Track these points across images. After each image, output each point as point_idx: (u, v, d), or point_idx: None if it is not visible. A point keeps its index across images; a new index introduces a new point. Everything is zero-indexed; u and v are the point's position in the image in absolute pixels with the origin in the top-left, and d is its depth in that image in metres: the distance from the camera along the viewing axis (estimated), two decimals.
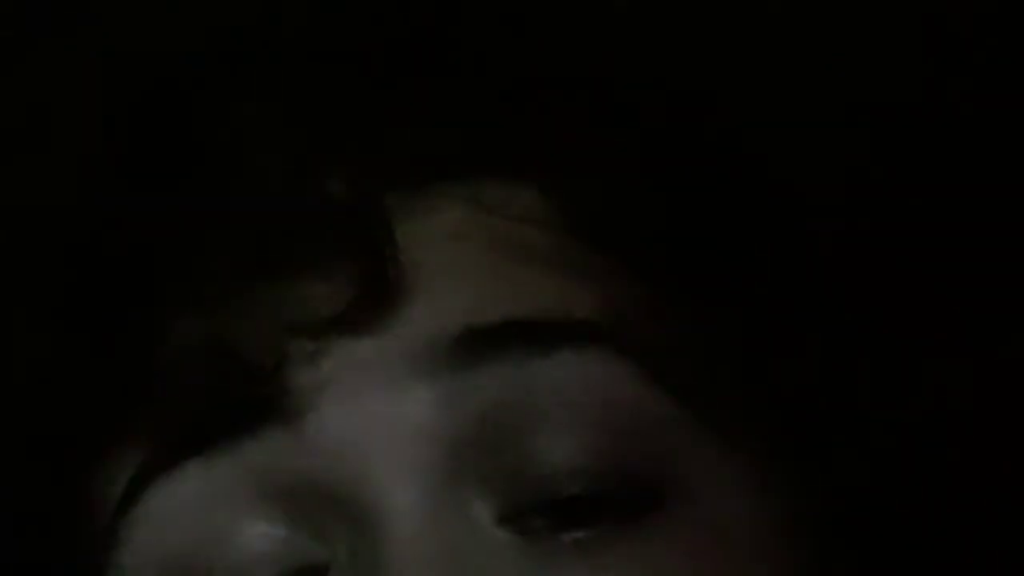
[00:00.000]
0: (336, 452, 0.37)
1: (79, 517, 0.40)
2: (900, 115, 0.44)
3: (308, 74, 0.40)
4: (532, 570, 0.36)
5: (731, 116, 0.41)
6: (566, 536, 0.37)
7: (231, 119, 0.39)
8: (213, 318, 0.37)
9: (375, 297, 0.37)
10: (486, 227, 0.38)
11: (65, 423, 0.39)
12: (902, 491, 0.40)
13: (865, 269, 0.40)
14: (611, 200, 0.39)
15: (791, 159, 0.40)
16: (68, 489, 0.40)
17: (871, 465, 0.40)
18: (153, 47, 0.43)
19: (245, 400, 0.37)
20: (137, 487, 0.38)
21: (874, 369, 0.41)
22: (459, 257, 0.38)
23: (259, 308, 0.37)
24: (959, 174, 0.45)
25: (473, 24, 0.40)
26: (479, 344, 0.37)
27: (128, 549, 0.39)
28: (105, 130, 0.41)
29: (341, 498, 0.37)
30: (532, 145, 0.39)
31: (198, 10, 0.42)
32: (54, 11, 0.46)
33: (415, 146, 0.39)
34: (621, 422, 0.37)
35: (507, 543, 0.37)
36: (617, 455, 0.37)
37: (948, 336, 0.41)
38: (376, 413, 0.37)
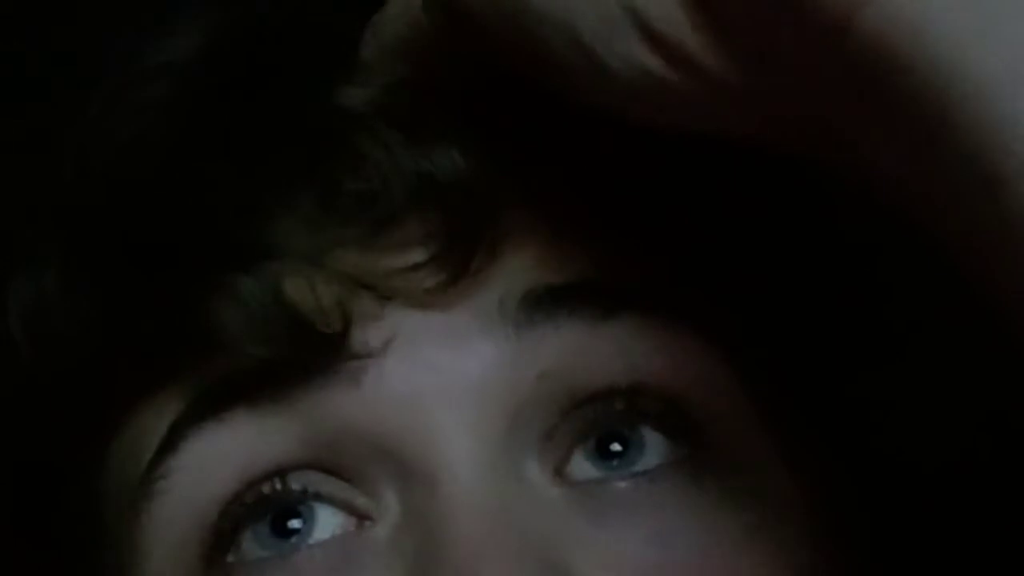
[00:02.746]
0: (394, 405, 0.37)
1: (109, 467, 0.40)
2: None
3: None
4: (584, 525, 0.37)
5: None
6: (615, 486, 0.37)
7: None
8: (275, 273, 0.37)
9: (451, 262, 0.37)
10: (559, 195, 0.39)
11: (105, 367, 0.39)
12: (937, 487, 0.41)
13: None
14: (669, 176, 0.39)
15: None
16: (102, 432, 0.40)
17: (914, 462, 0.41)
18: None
19: (303, 354, 0.37)
20: (178, 435, 0.38)
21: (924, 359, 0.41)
22: (528, 220, 0.38)
23: (324, 265, 0.37)
24: None
25: None
26: (545, 304, 0.38)
27: (165, 499, 0.38)
28: (176, 71, 0.41)
29: (395, 451, 0.37)
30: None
31: None
32: None
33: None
34: (677, 382, 0.38)
35: (560, 498, 0.37)
36: (667, 404, 0.38)
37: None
38: (438, 368, 0.37)
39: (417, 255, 0.38)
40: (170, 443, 0.38)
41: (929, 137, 0.27)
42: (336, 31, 0.40)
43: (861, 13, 0.28)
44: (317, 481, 0.38)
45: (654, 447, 0.38)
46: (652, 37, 0.31)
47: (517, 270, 0.38)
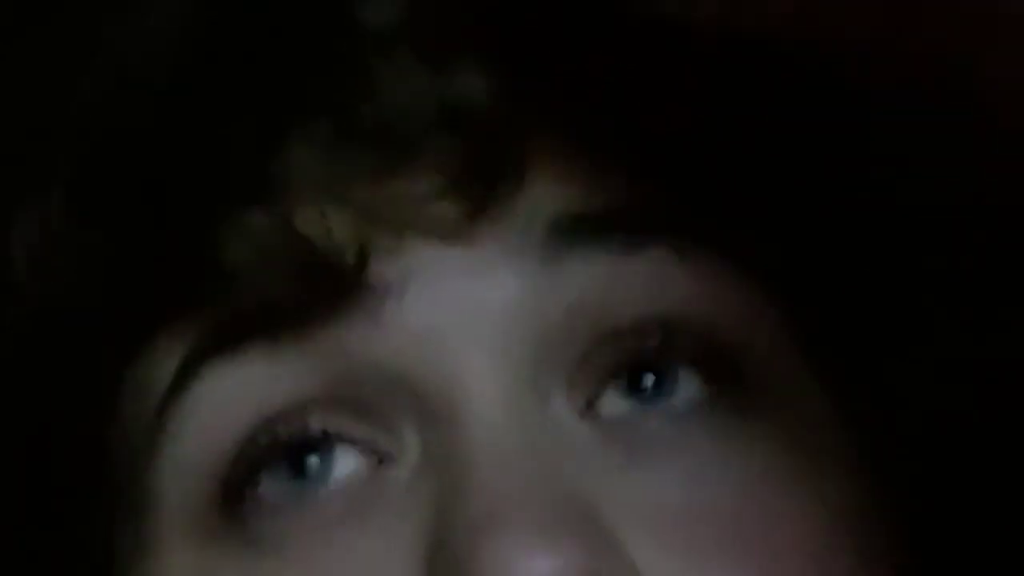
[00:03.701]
0: (415, 338, 0.36)
1: (119, 408, 0.39)
2: None
3: None
4: (613, 462, 0.36)
5: None
6: (647, 424, 0.36)
7: None
8: (286, 205, 0.36)
9: (473, 194, 0.36)
10: (586, 121, 0.37)
11: (112, 303, 0.38)
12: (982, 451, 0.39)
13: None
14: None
15: None
16: (110, 372, 0.39)
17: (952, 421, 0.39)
18: None
19: (317, 289, 0.36)
20: (190, 373, 0.37)
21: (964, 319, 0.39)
22: (553, 148, 0.37)
23: (338, 196, 0.36)
24: None
25: None
26: (572, 234, 0.36)
27: (178, 439, 0.37)
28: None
29: (416, 388, 0.36)
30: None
31: None
32: None
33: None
34: (711, 316, 0.37)
35: (588, 436, 0.36)
36: (701, 338, 0.37)
37: None
38: (460, 299, 0.36)
39: (436, 186, 0.36)
40: (182, 382, 0.37)
41: None
42: None
43: None
44: (335, 420, 0.37)
45: (688, 383, 0.37)
46: None
47: (542, 199, 0.36)
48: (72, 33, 0.40)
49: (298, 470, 0.37)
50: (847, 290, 0.39)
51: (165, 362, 0.38)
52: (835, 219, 0.38)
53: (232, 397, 0.37)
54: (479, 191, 0.36)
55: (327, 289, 0.36)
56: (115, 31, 0.39)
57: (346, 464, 0.37)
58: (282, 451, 0.37)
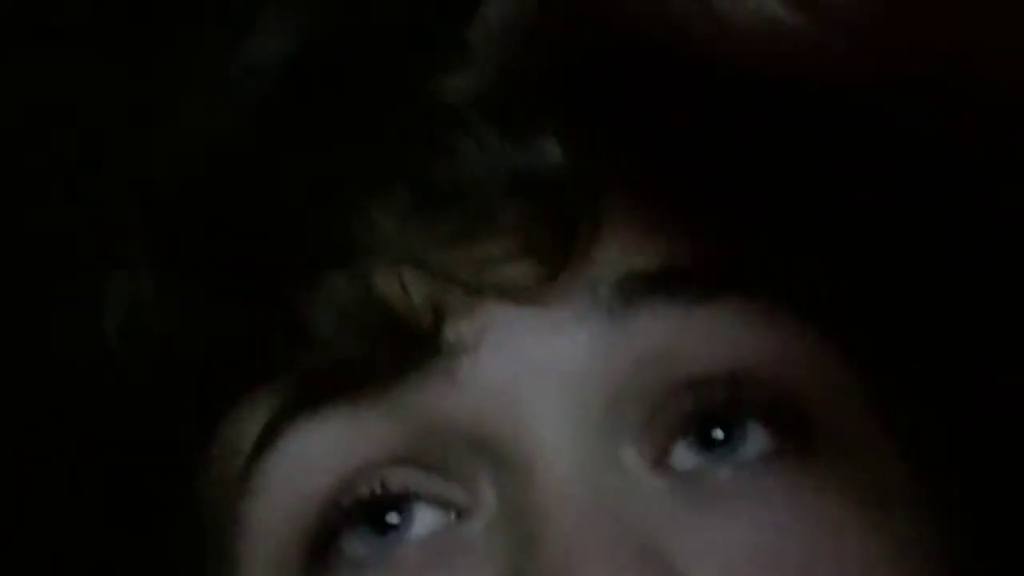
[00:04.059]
0: (489, 395, 0.37)
1: (207, 468, 0.40)
2: None
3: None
4: (686, 515, 0.36)
5: None
6: (717, 475, 0.37)
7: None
8: (366, 270, 0.37)
9: (548, 259, 0.37)
10: (654, 179, 0.38)
11: (200, 367, 0.39)
12: None
13: None
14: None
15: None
16: (200, 433, 0.40)
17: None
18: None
19: (396, 350, 0.37)
20: (274, 434, 0.38)
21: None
22: (622, 206, 0.38)
23: (416, 261, 0.37)
24: None
25: None
26: (639, 290, 0.37)
27: (262, 499, 0.38)
28: (269, 70, 0.41)
29: (491, 443, 0.36)
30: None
31: None
32: None
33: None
34: (779, 369, 0.37)
35: (660, 489, 0.36)
36: (769, 391, 0.37)
37: None
38: (532, 356, 0.37)
39: (511, 249, 0.37)
40: (266, 442, 0.38)
41: None
42: (434, 24, 0.40)
43: None
44: (414, 478, 0.37)
45: (758, 435, 0.37)
46: None
47: (610, 258, 0.37)
48: (159, 106, 0.42)
49: (379, 527, 0.37)
50: (913, 337, 0.39)
51: (251, 421, 0.39)
52: (901, 267, 0.38)
53: (314, 457, 0.38)
54: (554, 255, 0.37)
55: (405, 349, 0.37)
56: (201, 103, 0.41)
57: (425, 519, 0.37)
58: (363, 509, 0.37)
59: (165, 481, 0.41)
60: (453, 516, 0.37)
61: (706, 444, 0.37)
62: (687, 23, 0.32)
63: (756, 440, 0.37)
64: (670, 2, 0.31)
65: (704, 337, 0.37)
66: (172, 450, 0.40)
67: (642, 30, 0.33)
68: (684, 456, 0.37)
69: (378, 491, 0.37)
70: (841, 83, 0.32)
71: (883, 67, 0.31)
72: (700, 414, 0.37)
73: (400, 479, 0.37)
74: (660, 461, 0.37)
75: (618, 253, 0.37)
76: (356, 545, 0.38)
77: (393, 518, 0.37)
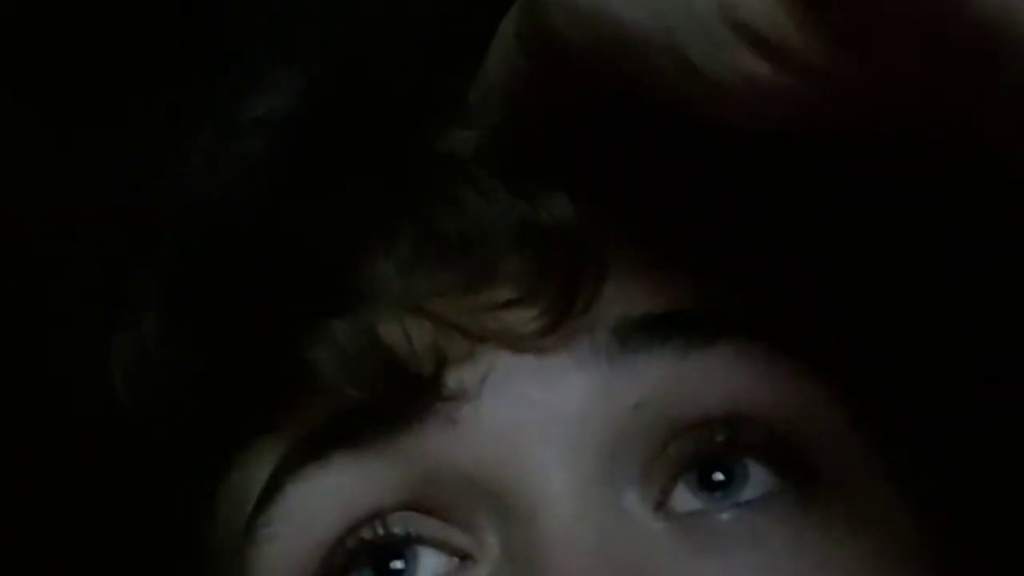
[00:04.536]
0: (491, 442, 0.37)
1: (214, 516, 0.40)
2: None
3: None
4: (688, 558, 0.36)
5: None
6: (719, 517, 0.37)
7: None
8: (370, 318, 0.37)
9: (551, 309, 0.37)
10: (652, 226, 0.39)
11: (206, 418, 0.39)
12: None
13: None
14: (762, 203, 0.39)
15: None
16: (207, 481, 0.40)
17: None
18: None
19: (399, 396, 0.37)
20: (279, 481, 0.38)
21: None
22: (621, 254, 0.38)
23: (418, 310, 0.38)
24: None
25: None
26: (638, 334, 0.37)
27: (269, 546, 0.38)
28: (274, 123, 0.41)
29: (494, 488, 0.37)
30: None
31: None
32: None
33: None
34: (777, 412, 0.37)
35: (661, 532, 0.37)
36: (768, 432, 0.37)
37: None
38: (533, 402, 0.37)
39: (513, 300, 0.38)
40: (272, 490, 0.39)
41: None
42: (438, 78, 0.40)
43: None
44: (418, 523, 0.38)
45: (758, 477, 0.37)
46: (756, 42, 0.31)
47: (608, 304, 0.38)
48: (165, 158, 0.42)
49: (384, 572, 0.38)
50: (911, 379, 0.39)
51: (258, 470, 0.39)
52: (899, 312, 0.39)
53: (320, 504, 0.38)
54: (558, 304, 0.37)
55: (407, 396, 0.37)
56: (207, 154, 0.42)
57: (429, 564, 0.38)
58: (367, 554, 0.38)
59: (173, 530, 0.41)
60: (457, 561, 0.38)
61: (707, 486, 0.37)
62: (672, 83, 0.32)
63: (757, 482, 0.37)
64: (656, 62, 0.32)
65: (702, 380, 0.37)
66: (180, 500, 0.41)
67: (634, 90, 0.34)
68: (685, 499, 0.37)
69: (381, 535, 0.38)
70: (827, 137, 0.32)
71: (867, 122, 0.32)
72: (700, 456, 0.37)
73: (404, 524, 0.38)
74: (661, 504, 0.37)
75: (616, 299, 0.38)
76: None
77: (398, 564, 0.38)
